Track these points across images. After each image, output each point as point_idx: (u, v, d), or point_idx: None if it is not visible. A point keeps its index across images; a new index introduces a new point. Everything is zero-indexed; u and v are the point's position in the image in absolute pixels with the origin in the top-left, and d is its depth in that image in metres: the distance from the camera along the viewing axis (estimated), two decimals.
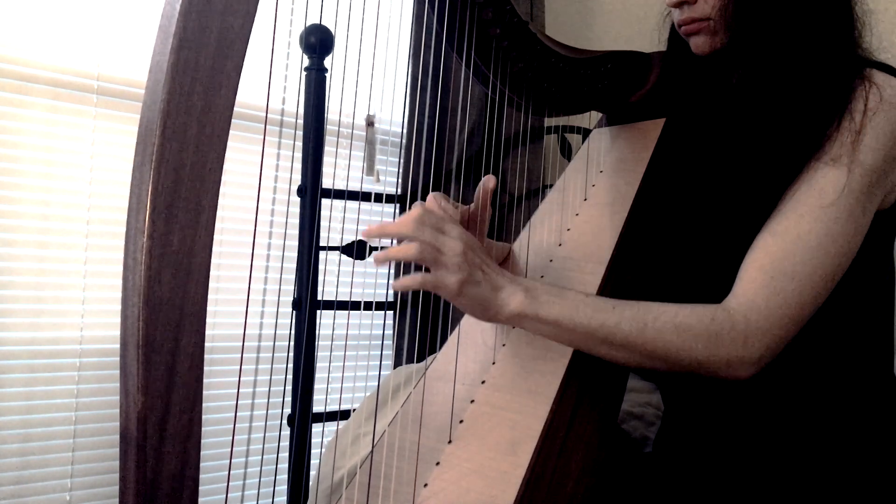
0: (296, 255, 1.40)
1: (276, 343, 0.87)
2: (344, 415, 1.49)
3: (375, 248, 1.49)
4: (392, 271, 1.86)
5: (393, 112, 1.87)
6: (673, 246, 0.97)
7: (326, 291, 1.43)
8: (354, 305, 1.52)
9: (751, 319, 0.80)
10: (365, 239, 0.82)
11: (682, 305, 0.81)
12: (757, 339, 0.79)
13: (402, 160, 1.86)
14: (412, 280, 0.77)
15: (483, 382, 0.89)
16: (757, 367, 0.81)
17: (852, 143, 0.81)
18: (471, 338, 0.97)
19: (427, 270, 0.77)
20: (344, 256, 1.47)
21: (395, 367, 1.71)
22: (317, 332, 1.43)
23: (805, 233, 0.81)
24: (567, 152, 1.90)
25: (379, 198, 1.69)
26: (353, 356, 1.78)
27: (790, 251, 0.81)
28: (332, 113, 1.44)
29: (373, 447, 0.87)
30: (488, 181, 0.88)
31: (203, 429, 0.61)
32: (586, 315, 0.80)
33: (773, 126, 0.86)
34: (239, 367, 0.71)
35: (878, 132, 0.81)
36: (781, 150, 0.84)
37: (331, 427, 1.66)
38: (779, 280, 0.80)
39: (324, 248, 1.43)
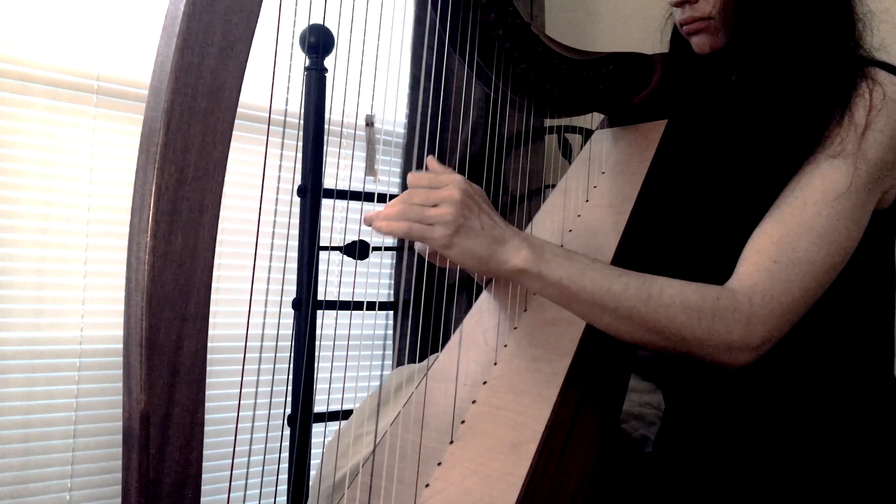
0: (296, 255, 1.40)
1: (277, 343, 0.87)
2: (344, 415, 1.49)
3: (377, 249, 1.49)
4: (393, 271, 1.86)
5: (393, 112, 1.87)
6: (675, 247, 0.97)
7: (327, 291, 1.43)
8: (355, 305, 1.52)
9: (754, 302, 0.79)
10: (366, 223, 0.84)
11: (688, 282, 0.81)
12: (759, 322, 0.79)
13: (402, 160, 1.86)
14: (398, 225, 0.79)
15: (485, 383, 0.89)
16: (756, 353, 0.80)
17: (857, 138, 0.81)
18: (472, 338, 0.97)
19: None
20: (344, 256, 1.47)
21: (395, 367, 1.71)
22: (317, 332, 1.43)
23: (809, 222, 0.80)
24: (568, 153, 1.90)
25: (379, 198, 1.69)
26: (354, 356, 1.78)
27: (794, 239, 0.80)
28: (332, 113, 1.43)
29: (374, 447, 0.87)
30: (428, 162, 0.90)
31: (205, 428, 0.61)
32: (592, 280, 0.80)
33: (773, 122, 0.86)
34: (241, 366, 0.71)
35: (882, 128, 0.81)
36: (782, 146, 0.85)
37: (332, 427, 1.66)
38: (782, 266, 0.80)
39: (324, 248, 1.43)
